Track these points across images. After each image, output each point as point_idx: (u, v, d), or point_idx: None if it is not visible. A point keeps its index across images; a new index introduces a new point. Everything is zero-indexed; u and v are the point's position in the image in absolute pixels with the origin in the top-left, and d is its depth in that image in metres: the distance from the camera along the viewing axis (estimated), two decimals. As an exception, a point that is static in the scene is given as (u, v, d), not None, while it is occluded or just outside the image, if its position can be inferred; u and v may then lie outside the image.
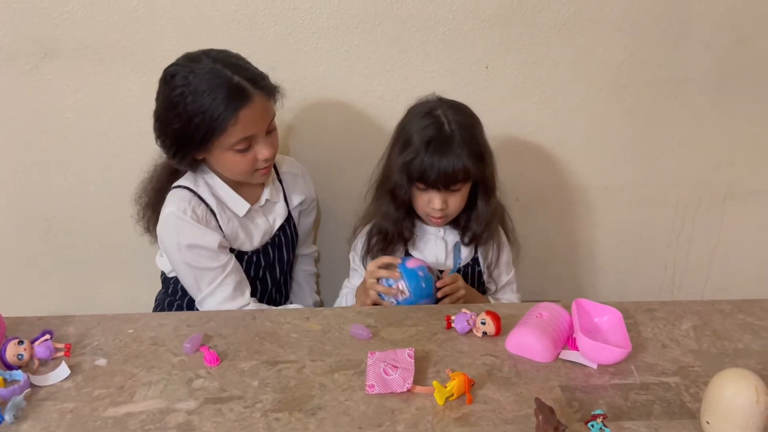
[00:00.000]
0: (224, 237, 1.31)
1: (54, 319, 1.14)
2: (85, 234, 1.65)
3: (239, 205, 1.34)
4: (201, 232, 1.27)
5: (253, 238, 1.38)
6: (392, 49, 1.54)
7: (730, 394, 0.84)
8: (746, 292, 1.75)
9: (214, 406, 0.93)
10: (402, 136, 1.34)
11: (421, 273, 1.26)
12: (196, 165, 1.31)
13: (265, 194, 1.39)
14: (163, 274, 1.45)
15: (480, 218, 1.38)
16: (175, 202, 1.28)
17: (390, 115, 1.48)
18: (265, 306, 1.36)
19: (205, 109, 1.18)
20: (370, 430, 0.89)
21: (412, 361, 1.01)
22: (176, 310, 1.41)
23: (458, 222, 1.41)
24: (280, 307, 1.33)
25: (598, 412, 0.87)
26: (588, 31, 1.57)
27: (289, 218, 1.46)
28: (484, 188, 1.37)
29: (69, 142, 1.58)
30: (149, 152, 1.56)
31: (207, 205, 1.31)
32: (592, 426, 0.87)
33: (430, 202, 1.32)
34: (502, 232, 1.46)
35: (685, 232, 1.81)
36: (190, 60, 1.23)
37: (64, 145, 1.57)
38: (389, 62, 1.55)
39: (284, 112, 1.57)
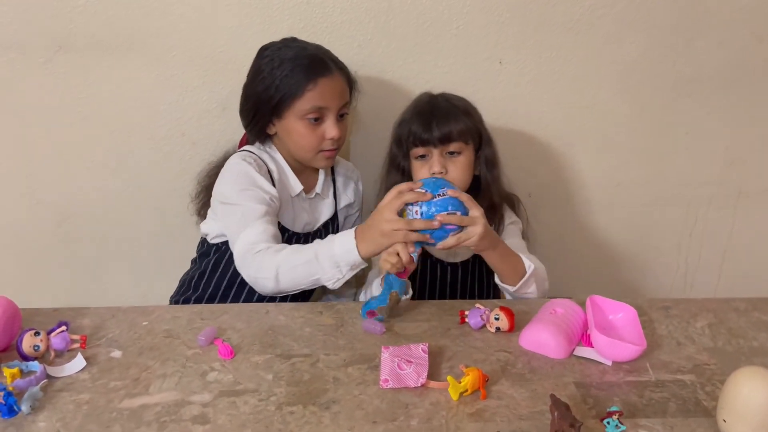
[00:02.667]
0: (277, 197, 1.32)
1: (69, 311, 1.15)
2: (97, 227, 1.65)
3: (294, 184, 1.38)
4: (260, 177, 1.31)
5: (297, 220, 1.40)
6: (405, 44, 1.54)
7: (747, 391, 0.83)
8: (758, 290, 1.74)
9: (228, 399, 0.93)
10: (399, 118, 1.39)
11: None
12: (265, 138, 1.37)
13: (317, 187, 1.43)
14: (202, 244, 1.44)
15: (481, 199, 1.33)
16: (239, 155, 1.35)
17: (402, 110, 1.47)
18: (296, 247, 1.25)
19: (287, 73, 1.27)
20: (384, 424, 0.89)
21: (426, 356, 1.01)
22: (206, 283, 1.40)
23: None
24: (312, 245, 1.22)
25: (613, 409, 0.87)
26: (601, 27, 1.57)
27: (334, 217, 1.48)
28: (486, 167, 1.37)
29: (81, 136, 1.58)
30: (161, 146, 1.58)
31: (268, 168, 1.35)
32: (608, 423, 0.86)
33: (430, 169, 1.32)
34: (510, 220, 1.43)
35: (697, 230, 1.80)
36: (284, 40, 1.34)
37: (77, 138, 1.58)
38: (402, 57, 1.55)
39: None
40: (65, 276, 1.69)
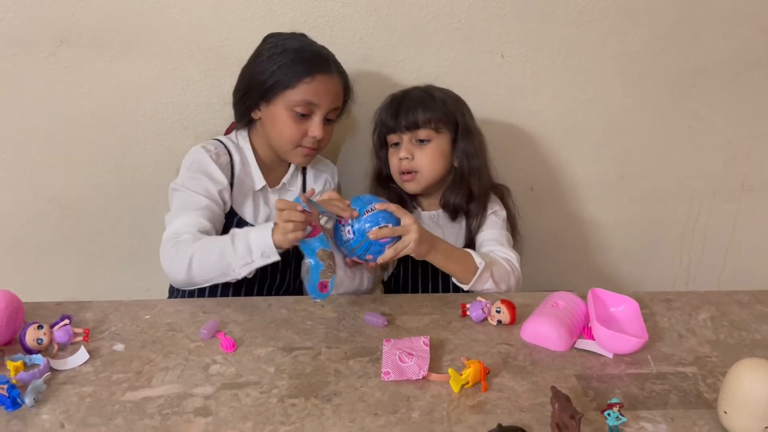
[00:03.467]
0: (230, 191, 1.32)
1: (72, 305, 1.16)
2: (99, 222, 1.65)
3: (257, 178, 1.37)
4: (213, 166, 1.30)
5: (259, 214, 1.39)
6: (407, 38, 1.54)
7: (748, 383, 0.83)
8: (762, 283, 1.73)
9: (230, 392, 0.94)
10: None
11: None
12: (248, 122, 1.37)
13: (285, 178, 1.41)
14: None
15: (457, 189, 1.36)
16: (202, 144, 1.34)
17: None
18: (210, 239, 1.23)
19: (287, 61, 1.27)
20: (385, 416, 0.89)
21: (428, 348, 1.01)
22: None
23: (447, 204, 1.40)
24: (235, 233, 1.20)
25: (614, 400, 0.87)
26: (604, 19, 1.56)
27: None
28: (465, 158, 1.36)
29: (84, 130, 1.58)
30: (163, 140, 1.58)
31: (231, 159, 1.34)
32: (608, 415, 0.86)
33: (398, 155, 1.34)
34: (492, 210, 1.40)
35: (701, 223, 1.79)
36: (293, 33, 1.34)
37: (80, 132, 1.58)
38: (404, 51, 1.55)
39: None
40: (68, 270, 1.69)
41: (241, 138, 1.38)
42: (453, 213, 1.39)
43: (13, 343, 1.04)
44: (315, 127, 1.29)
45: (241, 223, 1.34)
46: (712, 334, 1.11)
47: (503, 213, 1.42)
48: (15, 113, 1.56)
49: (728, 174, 1.75)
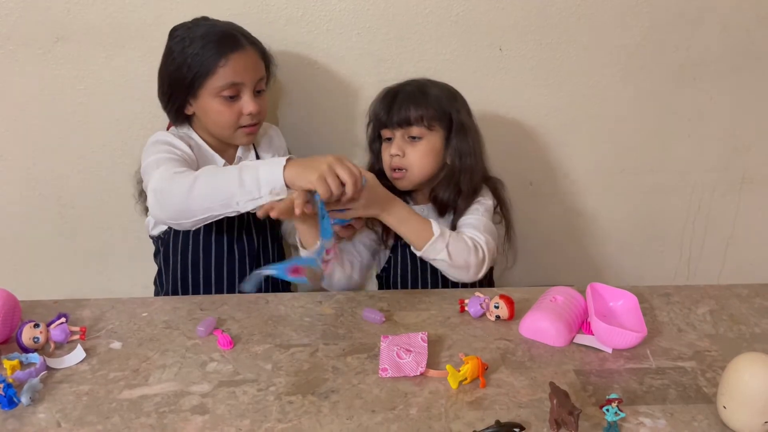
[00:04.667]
0: (194, 160, 1.31)
1: (69, 303, 1.15)
2: (96, 219, 1.65)
3: (217, 160, 1.37)
4: (179, 141, 1.30)
5: None
6: (404, 32, 1.53)
7: (747, 377, 0.83)
8: (763, 277, 1.73)
9: (227, 389, 0.94)
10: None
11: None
12: (184, 120, 1.36)
13: (238, 154, 1.41)
14: (153, 242, 1.44)
15: (447, 185, 1.34)
16: (158, 132, 1.35)
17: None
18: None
19: (198, 51, 1.26)
20: (383, 413, 0.89)
21: (426, 345, 1.01)
22: (166, 277, 1.41)
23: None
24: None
25: (613, 396, 0.86)
26: (604, 12, 1.55)
27: None
28: (457, 156, 1.33)
29: (81, 127, 1.57)
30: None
31: (189, 145, 1.32)
32: (607, 410, 0.86)
33: (390, 151, 1.34)
34: (477, 199, 1.37)
35: (701, 217, 1.79)
36: (195, 19, 1.33)
37: (77, 129, 1.57)
38: (401, 45, 1.54)
39: (295, 93, 1.57)
40: (66, 268, 1.69)
41: (186, 129, 1.38)
42: (441, 208, 1.37)
43: (10, 342, 1.04)
44: (248, 104, 1.29)
45: None
46: (711, 328, 1.11)
47: (489, 202, 1.38)
48: (11, 110, 1.56)
49: (728, 167, 1.74)
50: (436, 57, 1.55)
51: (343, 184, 1.06)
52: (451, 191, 1.34)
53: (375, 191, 1.16)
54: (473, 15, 1.53)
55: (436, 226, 1.21)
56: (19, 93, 1.54)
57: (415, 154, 1.32)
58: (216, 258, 1.38)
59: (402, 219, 1.20)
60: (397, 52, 1.54)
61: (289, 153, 1.51)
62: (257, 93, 1.31)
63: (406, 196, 1.42)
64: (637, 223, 1.77)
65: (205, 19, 1.33)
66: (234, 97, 1.28)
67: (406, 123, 1.31)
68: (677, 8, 1.56)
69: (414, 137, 1.32)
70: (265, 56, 1.35)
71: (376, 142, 1.40)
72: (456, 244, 1.21)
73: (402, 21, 1.52)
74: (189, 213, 1.12)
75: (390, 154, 1.33)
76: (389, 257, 1.41)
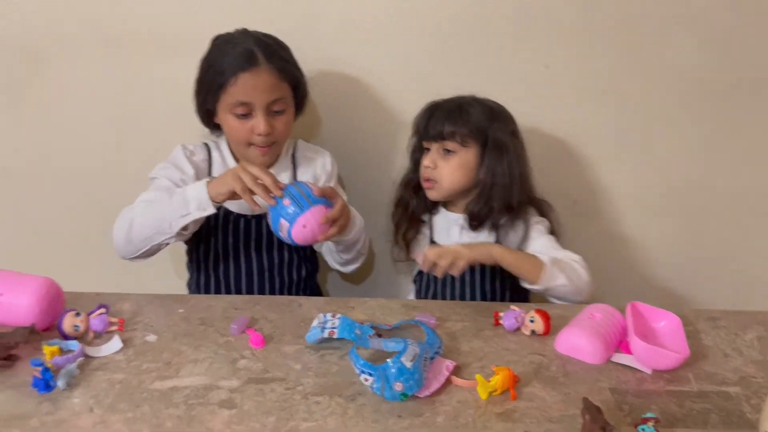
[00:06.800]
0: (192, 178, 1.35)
1: (110, 296, 1.18)
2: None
3: None
4: (184, 160, 1.36)
5: (243, 203, 1.31)
6: (446, 47, 1.54)
7: (795, 404, 0.78)
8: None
9: (256, 386, 0.94)
10: None
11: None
12: (215, 127, 1.39)
13: (272, 169, 1.38)
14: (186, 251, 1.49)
15: (479, 201, 1.36)
16: (187, 142, 1.42)
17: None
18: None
19: (218, 63, 1.29)
20: (409, 419, 0.88)
21: (447, 374, 0.96)
22: (197, 284, 1.45)
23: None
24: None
25: (649, 415, 0.83)
26: (653, 32, 1.52)
27: None
28: (489, 174, 1.35)
29: (126, 131, 1.63)
30: (198, 139, 1.59)
31: (210, 156, 1.41)
32: (643, 430, 0.82)
33: (424, 163, 1.38)
34: (535, 221, 1.39)
35: (750, 241, 1.71)
36: (237, 30, 1.35)
37: (122, 133, 1.63)
38: (446, 61, 1.54)
39: (338, 108, 1.59)
40: (106, 266, 1.71)
41: (217, 138, 1.43)
42: (474, 221, 1.38)
43: (52, 329, 1.07)
44: (258, 124, 1.29)
45: (228, 214, 1.38)
46: (758, 354, 1.05)
47: (547, 223, 1.41)
48: (60, 113, 1.62)
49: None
50: (478, 72, 1.55)
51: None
52: (483, 206, 1.36)
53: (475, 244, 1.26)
54: (518, 32, 1.53)
55: (542, 256, 1.25)
56: (74, 99, 1.60)
57: (447, 168, 1.36)
58: (246, 267, 1.41)
59: (508, 254, 1.25)
60: (440, 66, 1.55)
61: (341, 181, 1.54)
62: (274, 113, 1.31)
63: (443, 205, 1.43)
64: (684, 246, 1.71)
65: (244, 32, 1.33)
66: (246, 115, 1.30)
67: (440, 137, 1.35)
68: (728, 27, 1.52)
69: (448, 150, 1.35)
70: (288, 76, 1.32)
71: (417, 151, 1.43)
72: (565, 267, 1.24)
73: (444, 37, 1.53)
74: (132, 246, 1.25)
75: (424, 164, 1.37)
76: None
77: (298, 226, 1.14)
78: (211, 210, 1.18)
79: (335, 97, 1.59)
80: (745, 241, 1.72)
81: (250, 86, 1.27)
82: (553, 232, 1.42)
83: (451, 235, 1.42)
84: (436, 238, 1.45)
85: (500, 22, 1.51)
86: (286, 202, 1.15)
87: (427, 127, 1.37)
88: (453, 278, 1.39)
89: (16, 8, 1.53)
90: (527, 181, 1.40)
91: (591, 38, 1.53)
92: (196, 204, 1.18)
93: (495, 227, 1.39)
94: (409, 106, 1.48)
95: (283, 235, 1.17)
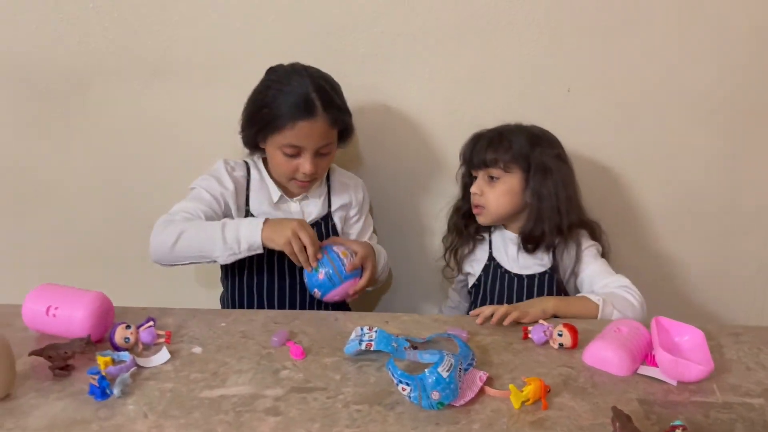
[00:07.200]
0: (236, 198, 1.44)
1: (154, 311, 1.24)
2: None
3: (273, 192, 1.48)
4: (225, 175, 1.44)
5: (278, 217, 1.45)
6: (474, 73, 1.60)
7: (819, 413, 0.82)
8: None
9: (299, 395, 0.99)
10: None
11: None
12: (256, 149, 1.46)
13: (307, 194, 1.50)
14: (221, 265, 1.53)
15: (529, 222, 1.43)
16: (225, 159, 1.50)
17: (466, 135, 1.52)
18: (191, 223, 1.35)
19: (275, 105, 1.35)
20: (446, 426, 0.92)
21: (481, 384, 1.01)
22: (232, 298, 1.52)
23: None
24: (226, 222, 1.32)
25: (677, 423, 0.87)
26: (674, 55, 1.58)
27: (327, 218, 1.51)
28: (534, 197, 1.41)
29: (169, 155, 1.71)
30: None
31: (249, 174, 1.48)
32: (671, 437, 0.86)
33: (472, 190, 1.46)
34: (586, 245, 1.45)
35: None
36: (293, 67, 1.40)
37: (167, 156, 1.71)
38: (471, 82, 1.61)
39: (376, 136, 1.66)
40: (148, 283, 1.79)
41: (257, 158, 1.51)
42: (527, 243, 1.45)
43: (103, 342, 1.13)
44: (305, 165, 1.37)
45: None
46: (782, 368, 1.09)
47: (599, 246, 1.47)
48: (106, 138, 1.71)
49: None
50: (504, 98, 1.61)
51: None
52: (534, 227, 1.42)
53: (528, 302, 1.30)
54: (542, 58, 1.59)
55: (593, 296, 1.30)
56: (114, 121, 1.69)
57: (493, 194, 1.43)
58: (279, 281, 1.47)
59: (560, 306, 1.28)
60: (467, 91, 1.61)
61: (371, 205, 1.62)
62: (321, 155, 1.39)
63: (497, 228, 1.53)
64: (707, 266, 1.75)
65: (299, 71, 1.37)
66: (294, 155, 1.37)
67: (484, 164, 1.42)
68: (749, 51, 1.58)
69: (493, 177, 1.42)
70: (340, 124, 1.39)
71: (466, 179, 1.51)
72: (618, 301, 1.30)
73: (470, 62, 1.59)
74: (173, 258, 1.32)
75: (471, 191, 1.45)
76: (480, 275, 1.53)
77: (329, 297, 1.33)
78: (260, 251, 1.29)
79: (370, 124, 1.65)
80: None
81: (305, 134, 1.34)
82: (604, 254, 1.47)
83: (509, 252, 1.49)
84: (495, 255, 1.52)
85: (524, 50, 1.58)
86: (321, 276, 1.31)
87: (471, 155, 1.46)
88: (502, 290, 1.50)
89: (62, 38, 1.62)
90: (576, 203, 1.46)
91: (611, 64, 1.59)
92: (247, 246, 1.28)
93: (548, 248, 1.45)
94: (437, 132, 1.54)
95: (316, 296, 1.35)
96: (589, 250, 1.44)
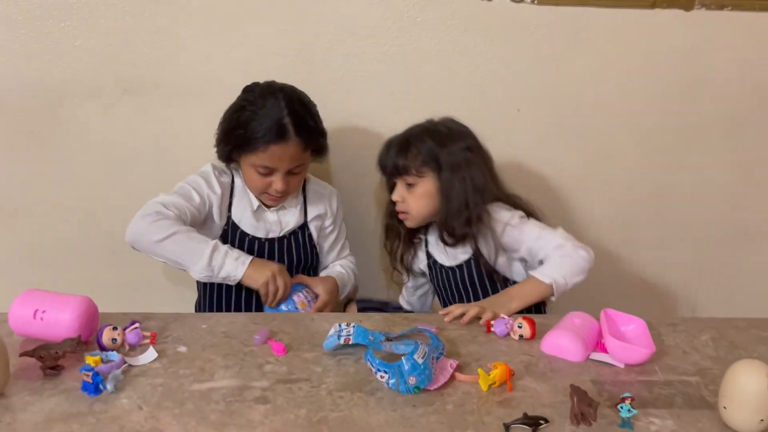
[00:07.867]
0: (221, 202, 1.51)
1: (136, 315, 1.28)
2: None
3: (253, 200, 1.55)
4: (212, 177, 1.51)
5: (259, 228, 1.55)
6: (433, 92, 1.72)
7: (744, 380, 0.95)
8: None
9: (284, 385, 1.06)
10: None
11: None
12: (230, 162, 1.53)
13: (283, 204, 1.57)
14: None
15: (451, 216, 1.46)
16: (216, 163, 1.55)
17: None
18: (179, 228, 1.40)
19: (249, 128, 1.41)
20: (423, 407, 1.01)
21: (452, 371, 1.10)
22: (204, 303, 1.58)
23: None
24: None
25: (626, 395, 0.98)
26: (614, 80, 1.74)
27: (304, 227, 1.59)
28: (443, 194, 1.46)
29: (140, 171, 1.75)
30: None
31: (233, 181, 1.55)
32: (621, 407, 0.97)
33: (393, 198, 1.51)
34: (503, 222, 1.46)
35: (705, 268, 1.92)
36: (269, 87, 1.46)
37: (140, 173, 1.75)
38: (429, 103, 1.71)
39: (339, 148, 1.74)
40: (116, 294, 1.80)
41: (236, 167, 1.55)
42: (444, 238, 1.51)
43: (89, 344, 1.17)
44: (277, 183, 1.45)
45: (244, 236, 1.53)
46: (713, 351, 1.23)
47: (516, 213, 1.48)
48: (76, 155, 1.74)
49: (729, 221, 1.88)
50: (459, 114, 1.72)
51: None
52: (446, 224, 1.48)
53: (495, 298, 1.40)
54: (493, 81, 1.72)
55: (540, 275, 1.38)
56: (84, 138, 1.72)
57: (413, 199, 1.49)
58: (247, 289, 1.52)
59: (521, 299, 1.38)
60: (420, 108, 1.70)
61: (343, 218, 1.70)
62: (292, 174, 1.46)
63: (431, 226, 1.59)
64: (644, 273, 1.92)
65: (275, 93, 1.42)
66: (267, 174, 1.45)
67: (398, 173, 1.48)
68: (679, 77, 1.75)
69: (409, 184, 1.48)
70: (313, 145, 1.47)
71: (390, 183, 1.54)
72: (565, 267, 1.39)
73: (430, 83, 1.71)
74: (151, 251, 1.39)
75: (393, 199, 1.50)
76: (426, 273, 1.62)
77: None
78: (232, 284, 1.41)
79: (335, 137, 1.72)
80: (700, 270, 1.93)
81: (277, 156, 1.41)
82: (532, 215, 1.52)
83: (440, 247, 1.56)
84: (431, 250, 1.60)
85: (477, 73, 1.71)
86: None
87: (385, 164, 1.50)
88: (452, 284, 1.57)
89: (33, 56, 1.65)
90: (490, 187, 1.47)
91: (558, 88, 1.74)
92: (225, 276, 1.38)
93: (465, 239, 1.48)
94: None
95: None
96: (513, 220, 1.45)
